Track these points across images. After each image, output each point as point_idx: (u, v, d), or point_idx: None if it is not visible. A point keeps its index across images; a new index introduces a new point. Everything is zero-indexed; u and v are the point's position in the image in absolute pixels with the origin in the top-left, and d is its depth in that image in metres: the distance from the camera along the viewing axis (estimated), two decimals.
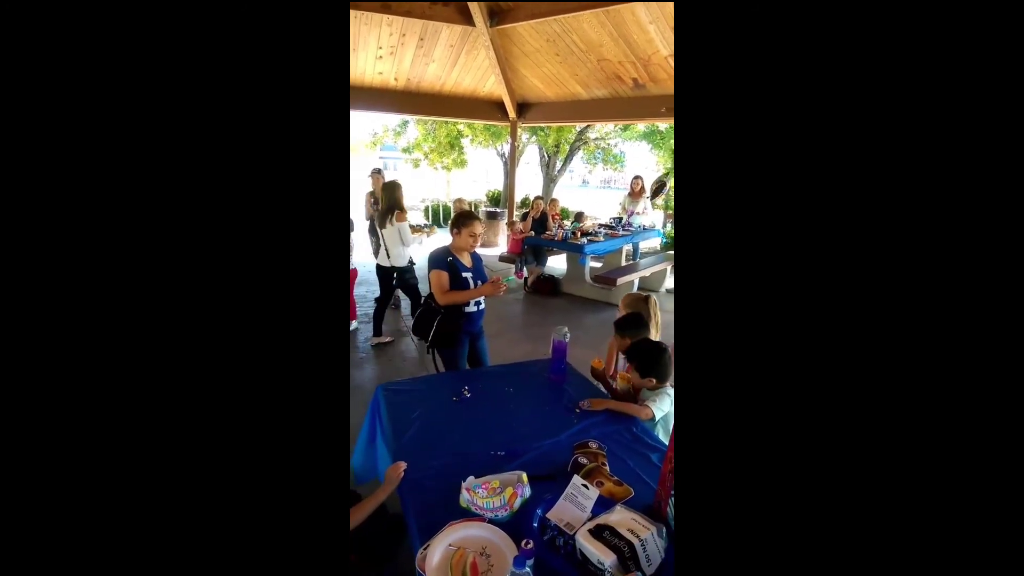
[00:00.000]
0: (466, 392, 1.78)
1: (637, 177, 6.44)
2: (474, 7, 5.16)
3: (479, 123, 8.70)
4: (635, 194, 6.26)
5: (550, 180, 10.28)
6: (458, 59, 5.87)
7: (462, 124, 9.37)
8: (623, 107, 6.15)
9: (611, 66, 5.56)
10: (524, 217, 6.16)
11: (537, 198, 6.68)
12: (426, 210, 10.56)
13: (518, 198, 9.08)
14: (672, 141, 8.09)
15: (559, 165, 10.35)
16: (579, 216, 6.68)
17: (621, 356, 1.96)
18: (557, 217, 6.33)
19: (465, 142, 9.91)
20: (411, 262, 3.83)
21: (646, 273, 5.42)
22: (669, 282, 6.03)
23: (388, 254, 3.69)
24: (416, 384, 1.95)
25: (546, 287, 5.63)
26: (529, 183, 13.04)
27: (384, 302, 3.89)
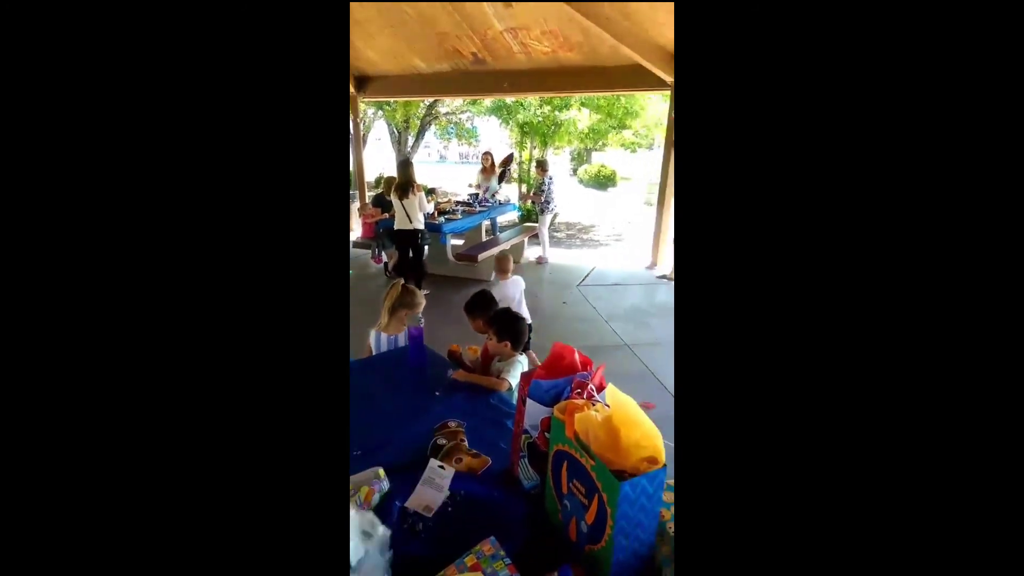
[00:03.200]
0: None
1: (487, 153, 6.59)
2: None
3: None
4: (486, 170, 6.40)
5: (403, 157, 9.98)
6: None
7: None
8: (466, 82, 6.16)
9: (449, 39, 5.49)
10: (376, 200, 5.93)
11: (389, 178, 6.47)
12: None
13: (370, 177, 8.64)
14: (520, 115, 8.36)
15: (411, 141, 10.06)
16: (430, 192, 6.63)
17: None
18: None
19: None
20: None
21: (506, 246, 5.62)
22: (528, 253, 6.34)
23: (411, 219, 4.65)
24: None
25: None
26: (382, 161, 12.47)
27: (415, 259, 4.89)
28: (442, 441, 1.35)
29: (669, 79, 5.00)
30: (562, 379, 1.20)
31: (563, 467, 1.05)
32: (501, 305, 2.19)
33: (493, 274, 4.23)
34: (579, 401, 1.11)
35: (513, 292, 3.35)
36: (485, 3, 4.68)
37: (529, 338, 1.86)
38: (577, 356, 1.32)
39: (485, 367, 1.93)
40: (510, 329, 1.82)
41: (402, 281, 2.20)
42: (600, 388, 1.21)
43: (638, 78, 5.18)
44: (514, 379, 1.77)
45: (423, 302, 2.21)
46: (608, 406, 1.07)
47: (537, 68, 5.68)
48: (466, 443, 1.37)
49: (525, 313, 3.20)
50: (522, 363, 1.82)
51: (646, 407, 3.04)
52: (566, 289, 5.23)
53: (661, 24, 4.43)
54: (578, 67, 5.40)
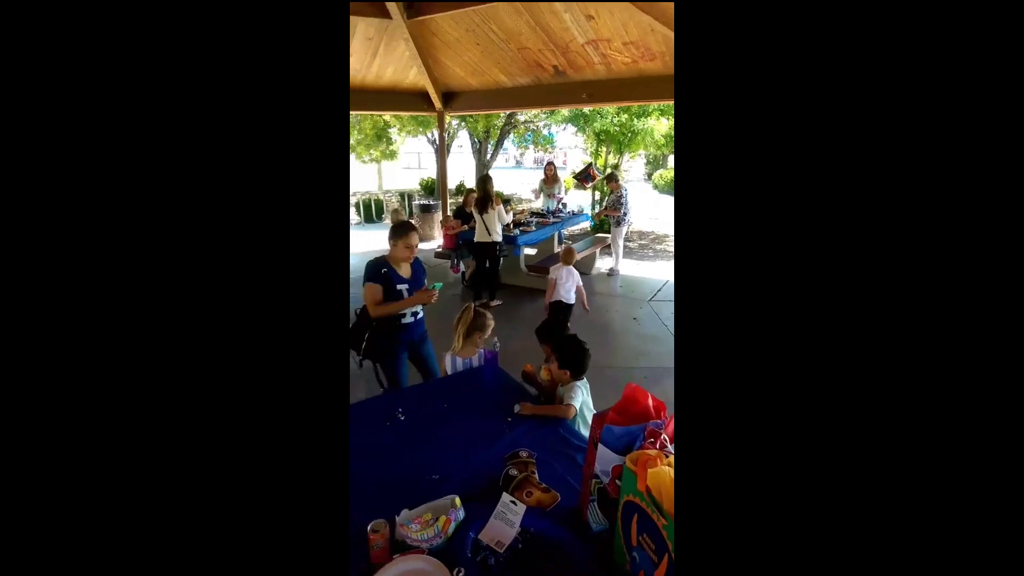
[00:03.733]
0: (400, 415, 1.81)
1: (550, 163, 6.65)
2: (391, 4, 5.06)
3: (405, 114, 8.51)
4: (548, 180, 6.46)
5: (483, 165, 10.25)
6: (377, 51, 5.68)
7: (388, 115, 9.10)
8: (546, 94, 6.22)
9: (531, 54, 5.59)
10: (457, 211, 6.17)
11: (469, 191, 6.70)
12: (357, 205, 10.17)
13: (452, 184, 8.97)
14: (596, 124, 8.29)
15: (491, 150, 10.33)
16: (507, 203, 6.78)
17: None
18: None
19: (392, 131, 9.63)
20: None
21: (578, 258, 5.61)
22: (600, 264, 6.27)
23: (489, 232, 4.83)
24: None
25: None
26: (463, 168, 12.89)
27: (491, 270, 5.04)
28: (513, 472, 1.41)
29: None
30: (635, 426, 1.21)
31: (633, 519, 1.06)
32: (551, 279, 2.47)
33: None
34: (652, 452, 1.12)
35: (565, 277, 3.78)
36: (567, 16, 4.71)
37: (586, 358, 1.91)
38: (650, 400, 1.32)
39: (552, 390, 1.98)
40: (572, 360, 1.86)
41: (473, 305, 2.29)
42: (673, 438, 1.20)
43: None
44: (576, 402, 1.81)
45: (493, 323, 2.29)
46: None
47: (617, 78, 5.62)
48: (536, 475, 1.41)
49: (572, 298, 3.72)
50: (583, 388, 1.86)
51: None
52: (637, 304, 5.13)
53: None
54: (658, 76, 5.27)
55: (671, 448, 1.15)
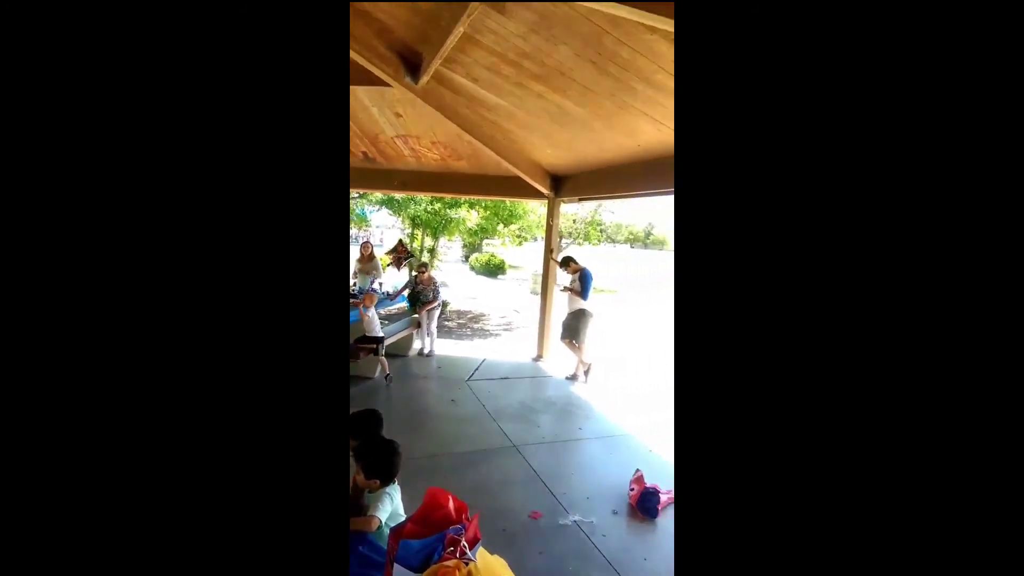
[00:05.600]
0: None
1: (366, 242, 6.67)
2: None
3: None
4: (364, 259, 6.43)
5: None
6: None
7: None
8: (358, 176, 6.26)
9: None
10: None
11: None
12: None
13: None
14: (411, 209, 8.58)
15: None
16: None
17: None
18: None
19: None
20: None
21: (393, 339, 5.47)
22: (418, 344, 6.21)
23: None
24: None
25: None
26: None
27: None
28: None
29: (546, 191, 5.57)
30: (433, 537, 1.15)
31: None
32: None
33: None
34: (450, 563, 1.06)
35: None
36: (375, 110, 4.92)
37: (396, 461, 1.76)
38: (451, 502, 1.28)
39: (354, 500, 1.76)
40: (380, 466, 1.71)
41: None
42: (474, 542, 1.17)
43: (520, 188, 5.69)
44: (383, 512, 1.64)
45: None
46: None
47: (427, 171, 5.98)
48: None
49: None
50: (392, 496, 1.70)
51: (534, 517, 2.97)
52: (455, 385, 5.16)
53: (536, 146, 5.00)
54: (465, 175, 5.80)
55: (471, 555, 1.11)
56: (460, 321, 8.90)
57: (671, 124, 3.32)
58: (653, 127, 3.48)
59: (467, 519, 1.21)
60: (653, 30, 2.29)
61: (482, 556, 1.03)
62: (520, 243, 12.83)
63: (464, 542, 1.12)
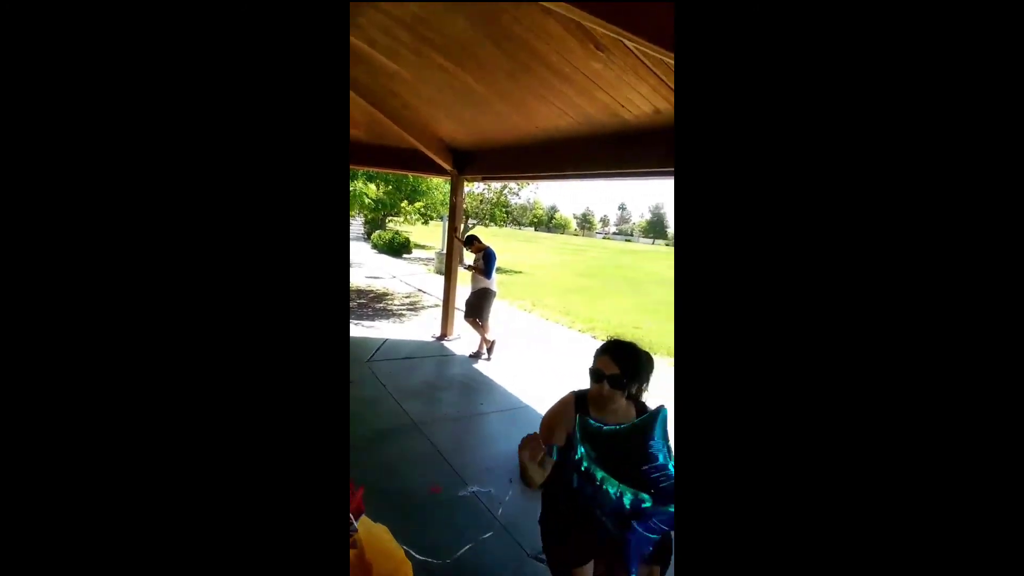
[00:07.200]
0: None
1: None
2: None
3: None
4: None
5: None
6: None
7: None
8: None
9: None
10: None
11: None
12: None
13: None
14: None
15: None
16: None
17: None
18: None
19: None
20: None
21: None
22: None
23: None
24: None
25: None
26: None
27: None
28: None
29: (449, 168, 5.49)
30: None
31: None
32: None
33: None
34: None
35: None
36: None
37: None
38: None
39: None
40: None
41: None
42: (358, 513, 1.16)
43: (421, 163, 5.55)
44: None
45: None
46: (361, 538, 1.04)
47: None
48: None
49: None
50: None
51: (433, 491, 3.02)
52: (356, 365, 4.99)
53: (440, 121, 4.90)
54: (360, 143, 5.50)
55: (355, 525, 1.11)
56: (361, 301, 8.57)
57: (568, 109, 3.44)
58: (550, 110, 3.57)
59: (352, 491, 1.20)
60: (548, 12, 2.34)
61: (364, 524, 1.04)
62: (425, 221, 12.57)
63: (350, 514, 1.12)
